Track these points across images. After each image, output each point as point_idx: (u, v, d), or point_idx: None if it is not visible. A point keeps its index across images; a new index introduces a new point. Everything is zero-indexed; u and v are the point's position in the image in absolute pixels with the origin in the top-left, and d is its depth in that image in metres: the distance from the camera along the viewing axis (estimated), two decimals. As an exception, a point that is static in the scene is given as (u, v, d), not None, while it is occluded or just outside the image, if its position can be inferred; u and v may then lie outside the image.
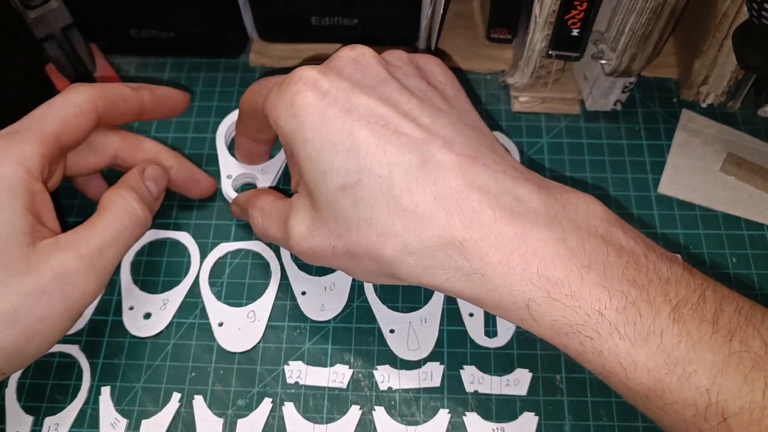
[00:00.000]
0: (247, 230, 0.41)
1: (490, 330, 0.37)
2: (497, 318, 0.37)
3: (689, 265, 0.25)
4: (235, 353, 0.37)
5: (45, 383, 0.37)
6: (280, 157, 0.42)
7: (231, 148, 0.43)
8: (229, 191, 0.41)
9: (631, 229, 0.26)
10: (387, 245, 0.25)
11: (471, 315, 0.37)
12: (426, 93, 0.28)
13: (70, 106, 0.32)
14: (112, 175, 0.37)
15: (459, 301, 0.38)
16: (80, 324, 0.38)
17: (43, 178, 0.31)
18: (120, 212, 0.32)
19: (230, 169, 0.41)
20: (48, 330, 0.29)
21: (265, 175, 0.41)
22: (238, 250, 0.40)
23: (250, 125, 0.35)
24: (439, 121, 0.27)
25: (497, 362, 0.36)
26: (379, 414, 0.35)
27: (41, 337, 0.29)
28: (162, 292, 0.39)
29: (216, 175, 0.42)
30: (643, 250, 0.25)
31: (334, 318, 0.38)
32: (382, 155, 0.25)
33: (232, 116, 0.43)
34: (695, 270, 0.25)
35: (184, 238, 0.40)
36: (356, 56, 0.28)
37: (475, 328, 0.37)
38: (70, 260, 0.29)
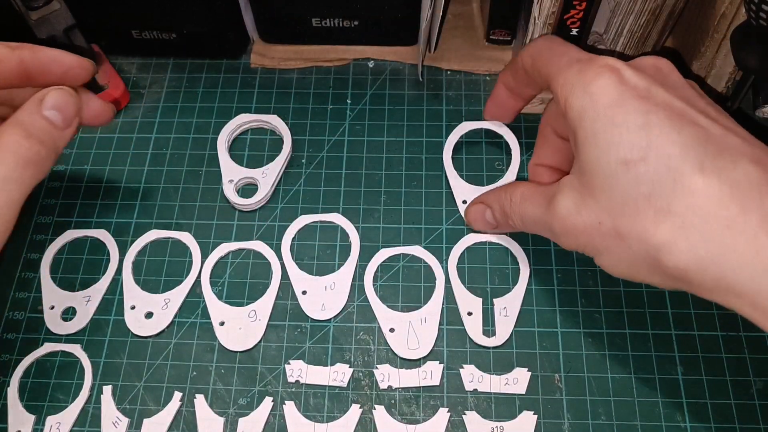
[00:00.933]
0: (247, 230, 0.41)
1: (489, 329, 0.37)
2: (495, 317, 0.37)
3: None
4: (236, 352, 0.37)
5: (47, 382, 0.37)
6: (280, 161, 0.42)
7: (232, 151, 0.43)
8: (231, 195, 0.41)
9: None
10: (664, 224, 0.24)
11: (470, 314, 0.37)
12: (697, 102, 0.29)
13: None
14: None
15: (458, 299, 0.38)
16: (82, 323, 0.38)
17: None
18: (5, 153, 0.29)
19: (231, 174, 0.42)
20: None
21: (266, 178, 0.41)
22: (239, 250, 0.40)
23: (522, 80, 0.35)
24: (736, 124, 0.27)
25: (497, 361, 0.37)
26: (379, 413, 0.35)
27: None
28: (163, 291, 0.39)
29: (217, 175, 0.42)
30: None
31: (335, 317, 0.38)
32: (677, 135, 0.25)
33: (234, 122, 0.44)
34: None
35: (186, 237, 0.41)
36: (658, 63, 0.29)
37: (473, 328, 0.37)
38: None
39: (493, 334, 0.37)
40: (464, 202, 0.41)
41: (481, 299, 0.38)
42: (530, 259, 0.39)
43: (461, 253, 0.40)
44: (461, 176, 0.42)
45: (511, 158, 0.42)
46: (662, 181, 0.24)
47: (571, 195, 0.29)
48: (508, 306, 0.38)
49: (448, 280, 0.39)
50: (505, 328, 0.37)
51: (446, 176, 0.41)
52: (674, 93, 0.27)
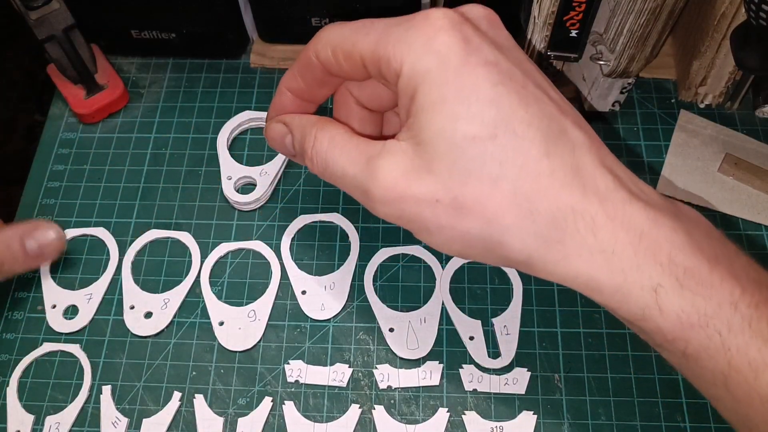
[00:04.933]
0: (246, 230, 0.41)
1: (492, 351, 0.37)
2: (498, 338, 0.37)
3: None
4: (235, 352, 0.37)
5: (46, 382, 0.37)
6: (280, 159, 0.42)
7: (232, 151, 0.43)
8: (230, 193, 0.41)
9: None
10: (509, 211, 0.24)
11: (471, 338, 0.37)
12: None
13: None
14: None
15: (457, 324, 0.38)
16: (82, 323, 0.38)
17: None
18: None
19: (230, 171, 0.42)
20: None
21: (265, 176, 0.41)
22: (239, 250, 0.40)
23: (317, 79, 0.30)
24: (562, 96, 0.26)
25: (496, 361, 0.37)
26: (379, 413, 0.35)
27: None
28: (163, 291, 0.39)
29: (216, 175, 0.42)
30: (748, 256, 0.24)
31: (334, 317, 0.38)
32: (524, 113, 0.24)
33: (237, 119, 0.44)
34: None
35: (185, 237, 0.41)
36: (488, 15, 0.27)
37: (477, 352, 0.37)
38: None
39: (499, 355, 0.37)
40: (228, 178, 0.42)
41: (479, 321, 0.37)
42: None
43: (454, 272, 0.39)
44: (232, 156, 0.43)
45: None
46: (510, 162, 0.23)
47: (401, 162, 0.25)
48: (508, 324, 0.37)
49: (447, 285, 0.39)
50: (509, 347, 0.37)
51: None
52: (510, 57, 0.26)
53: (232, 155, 0.43)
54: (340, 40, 0.28)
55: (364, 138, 0.28)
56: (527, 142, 0.23)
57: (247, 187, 0.42)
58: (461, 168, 0.24)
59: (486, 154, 0.24)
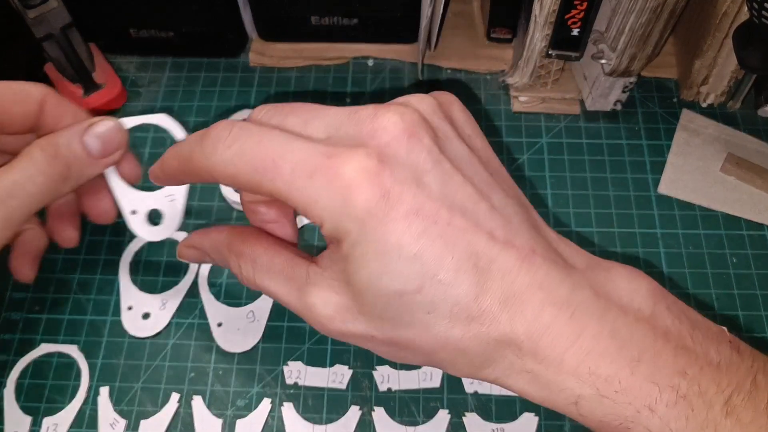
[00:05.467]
0: (246, 230, 0.41)
1: None
2: None
3: (735, 337, 0.25)
4: (234, 353, 0.37)
5: (44, 383, 0.36)
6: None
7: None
8: (229, 193, 0.41)
9: (675, 301, 0.26)
10: (443, 349, 0.25)
11: None
12: (471, 164, 0.27)
13: (19, 87, 0.32)
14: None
15: None
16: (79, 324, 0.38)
17: None
18: (30, 162, 0.30)
19: None
20: None
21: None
22: (238, 250, 0.40)
23: (198, 178, 0.28)
24: (492, 208, 0.26)
25: (497, 362, 0.36)
26: (379, 414, 0.35)
27: None
28: (161, 292, 0.39)
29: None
30: (688, 330, 0.24)
31: (334, 318, 0.38)
32: (450, 260, 0.24)
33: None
34: (742, 345, 0.25)
35: (183, 238, 0.40)
36: (407, 129, 0.25)
37: None
38: None
39: None
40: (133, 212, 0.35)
41: None
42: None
43: None
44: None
45: None
46: (438, 310, 0.24)
47: (332, 300, 0.26)
48: None
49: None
50: None
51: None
52: (438, 184, 0.25)
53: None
54: (242, 177, 0.26)
55: (287, 255, 0.28)
56: (454, 289, 0.24)
57: (246, 187, 0.42)
58: (391, 316, 0.25)
59: (413, 305, 0.24)
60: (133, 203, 0.35)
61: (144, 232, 0.35)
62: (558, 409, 0.25)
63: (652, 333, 0.24)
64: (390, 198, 0.24)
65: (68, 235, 0.36)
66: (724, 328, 0.26)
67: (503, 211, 0.26)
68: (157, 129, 0.44)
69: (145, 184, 0.34)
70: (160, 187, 0.34)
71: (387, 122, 0.25)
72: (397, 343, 0.26)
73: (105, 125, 0.32)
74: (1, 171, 0.29)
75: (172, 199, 0.35)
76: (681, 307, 0.25)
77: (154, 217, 0.35)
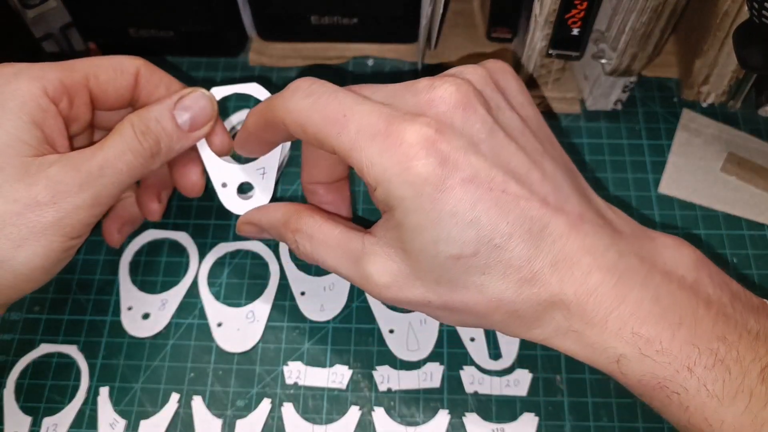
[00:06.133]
0: (246, 230, 0.41)
1: (492, 352, 0.37)
2: (499, 339, 0.37)
3: None
4: (234, 354, 0.37)
5: (43, 383, 0.36)
6: (277, 152, 0.41)
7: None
8: (226, 199, 0.40)
9: (718, 272, 0.26)
10: (497, 311, 0.26)
11: (472, 340, 0.37)
12: (523, 134, 0.27)
13: (115, 62, 0.32)
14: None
15: (457, 327, 0.37)
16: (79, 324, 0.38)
17: (61, 104, 0.30)
18: (120, 139, 0.30)
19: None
20: (37, 242, 0.28)
21: (265, 177, 0.41)
22: (237, 250, 0.40)
23: (281, 137, 0.30)
24: (544, 175, 0.26)
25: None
26: (379, 415, 0.35)
27: (29, 248, 0.28)
28: (161, 292, 0.39)
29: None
30: (729, 299, 0.25)
31: (334, 318, 0.38)
32: (505, 226, 0.24)
33: (233, 119, 0.43)
34: None
35: (183, 238, 0.40)
36: (462, 99, 0.26)
37: (478, 353, 0.36)
38: (68, 172, 0.28)
39: (500, 356, 0.36)
40: (224, 185, 0.35)
41: None
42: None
43: None
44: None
45: None
46: (493, 272, 0.25)
47: (389, 268, 0.27)
48: None
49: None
50: (510, 348, 0.37)
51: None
52: (493, 153, 0.25)
53: (232, 154, 0.42)
54: (310, 124, 0.27)
55: (342, 229, 0.29)
56: (508, 252, 0.25)
57: (244, 186, 0.42)
58: (447, 280, 0.25)
59: (470, 267, 0.25)
60: (223, 176, 0.34)
61: (234, 205, 0.34)
62: (601, 368, 0.25)
63: (694, 300, 0.25)
64: (447, 165, 0.24)
65: (152, 208, 0.36)
66: (766, 301, 0.26)
67: (554, 178, 0.26)
68: (239, 97, 0.43)
69: (236, 156, 0.34)
70: (251, 160, 0.34)
71: (444, 92, 0.26)
72: (452, 306, 0.26)
73: (194, 98, 0.32)
74: (93, 149, 0.29)
75: (263, 172, 0.35)
76: (723, 277, 0.26)
77: (245, 190, 0.35)
